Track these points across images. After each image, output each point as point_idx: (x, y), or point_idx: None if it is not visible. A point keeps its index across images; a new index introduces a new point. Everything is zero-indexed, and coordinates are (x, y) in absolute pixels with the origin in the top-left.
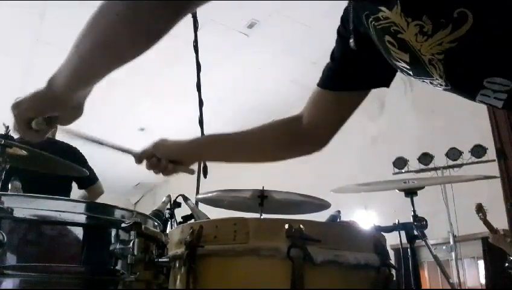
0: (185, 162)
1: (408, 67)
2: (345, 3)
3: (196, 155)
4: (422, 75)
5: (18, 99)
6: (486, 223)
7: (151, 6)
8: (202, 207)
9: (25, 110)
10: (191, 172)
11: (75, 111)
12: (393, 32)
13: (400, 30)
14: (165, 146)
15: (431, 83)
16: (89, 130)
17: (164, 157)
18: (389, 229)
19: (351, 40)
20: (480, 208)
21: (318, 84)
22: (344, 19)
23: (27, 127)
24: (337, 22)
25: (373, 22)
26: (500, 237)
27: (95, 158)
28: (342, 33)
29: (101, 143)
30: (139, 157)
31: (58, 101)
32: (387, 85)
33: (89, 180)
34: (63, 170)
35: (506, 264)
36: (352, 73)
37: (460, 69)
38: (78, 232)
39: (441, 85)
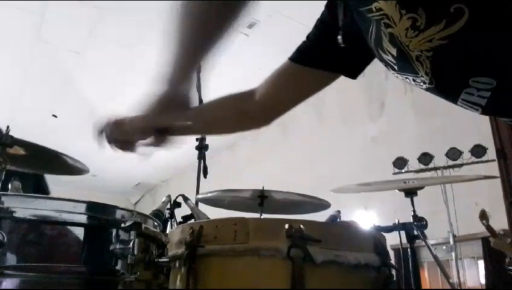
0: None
1: (394, 61)
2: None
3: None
4: (408, 71)
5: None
6: (489, 229)
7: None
8: (202, 207)
9: (154, 120)
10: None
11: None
12: (384, 26)
13: (390, 24)
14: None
15: (414, 80)
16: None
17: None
18: (389, 229)
19: (339, 37)
20: (483, 215)
21: (289, 58)
22: (331, 8)
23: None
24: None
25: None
26: (503, 242)
27: (96, 158)
28: (326, 19)
29: None
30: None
31: (182, 97)
32: (354, 76)
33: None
34: (63, 170)
35: (506, 265)
36: (325, 54)
37: (447, 67)
38: (78, 232)
39: (424, 83)
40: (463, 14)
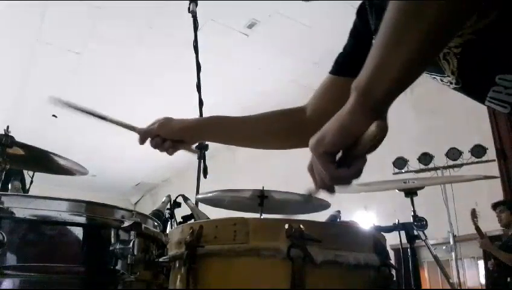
0: (187, 142)
1: None
2: (344, 4)
3: (198, 135)
4: (434, 71)
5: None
6: (477, 229)
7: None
8: (202, 207)
9: (332, 144)
10: (194, 151)
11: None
12: None
13: None
14: (169, 126)
15: (441, 80)
16: (90, 130)
17: (168, 137)
18: (389, 229)
19: (373, 41)
20: (474, 213)
21: (330, 72)
22: (362, 15)
23: (335, 167)
24: (337, 22)
25: None
26: (487, 242)
27: (96, 158)
28: (359, 27)
29: (103, 118)
30: (143, 135)
31: (376, 114)
32: None
33: None
34: (63, 170)
35: (490, 268)
36: (363, 61)
37: (474, 65)
38: (78, 232)
39: (451, 83)
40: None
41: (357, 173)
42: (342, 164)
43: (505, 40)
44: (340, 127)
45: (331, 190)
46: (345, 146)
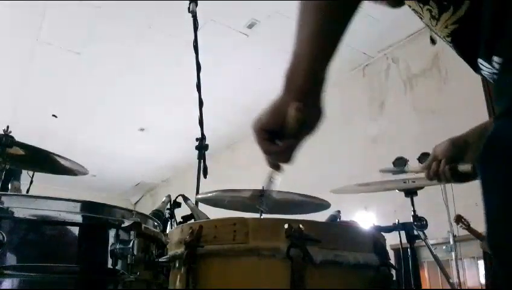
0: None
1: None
2: None
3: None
4: None
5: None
6: (471, 231)
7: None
8: (202, 207)
9: (265, 122)
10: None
11: (316, 112)
12: (420, 19)
13: (422, 17)
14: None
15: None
16: (90, 130)
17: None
18: (389, 229)
19: None
20: (459, 219)
21: None
22: None
23: (270, 143)
24: None
25: None
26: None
27: (96, 158)
28: None
29: None
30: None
31: (300, 98)
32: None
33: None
34: (63, 170)
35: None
36: None
37: (464, 50)
38: (78, 232)
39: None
40: None
41: (287, 150)
42: (276, 141)
43: (478, 26)
44: (271, 107)
45: (276, 168)
46: (276, 125)
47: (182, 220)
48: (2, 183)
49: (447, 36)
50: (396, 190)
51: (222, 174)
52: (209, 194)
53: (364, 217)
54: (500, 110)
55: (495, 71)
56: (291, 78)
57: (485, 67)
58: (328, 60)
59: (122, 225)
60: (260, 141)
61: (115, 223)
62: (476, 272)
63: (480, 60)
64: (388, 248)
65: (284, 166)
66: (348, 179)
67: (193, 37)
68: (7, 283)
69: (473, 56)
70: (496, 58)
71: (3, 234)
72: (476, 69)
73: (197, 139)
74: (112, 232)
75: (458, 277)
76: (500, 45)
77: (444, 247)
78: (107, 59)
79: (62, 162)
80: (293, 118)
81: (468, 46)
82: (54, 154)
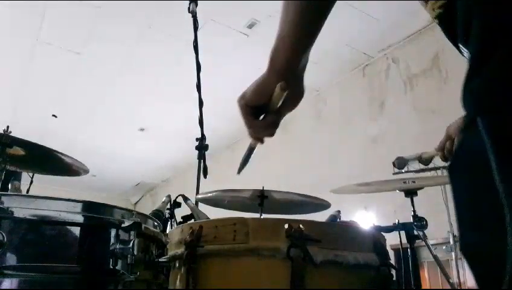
0: None
1: None
2: (343, 4)
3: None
4: None
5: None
6: None
7: None
8: (202, 207)
9: (249, 99)
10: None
11: (298, 91)
12: None
13: None
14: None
15: None
16: (90, 130)
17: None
18: (389, 229)
19: None
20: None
21: None
22: None
23: (253, 118)
24: (336, 22)
25: None
26: None
27: (96, 158)
28: None
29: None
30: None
31: (281, 75)
32: None
33: None
34: (62, 170)
35: None
36: None
37: (449, 34)
38: (78, 232)
39: None
40: None
41: (270, 125)
42: (259, 117)
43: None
44: (256, 85)
45: (258, 140)
46: (260, 102)
47: (182, 220)
48: (2, 183)
49: (435, 18)
50: (397, 190)
51: (222, 174)
52: (209, 194)
53: (364, 217)
54: (466, 121)
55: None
56: (276, 59)
57: (466, 52)
58: (311, 42)
59: (122, 225)
60: (245, 115)
61: (115, 223)
62: None
63: (460, 45)
64: (388, 248)
65: (266, 139)
66: (348, 179)
67: (193, 37)
68: (7, 283)
69: (456, 40)
70: (463, 48)
71: (3, 234)
72: (462, 53)
73: (197, 139)
74: (112, 232)
75: (458, 277)
76: (468, 35)
77: (444, 247)
78: (107, 59)
79: (63, 159)
80: (277, 96)
81: (453, 31)
82: (55, 151)
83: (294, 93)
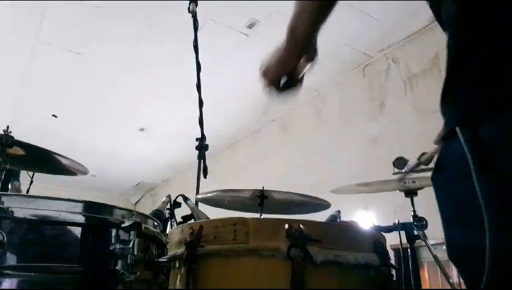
0: None
1: None
2: (344, 4)
3: None
4: None
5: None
6: None
7: None
8: (202, 207)
9: (275, 71)
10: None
11: (315, 53)
12: None
13: None
14: None
15: None
16: (90, 130)
17: None
18: (389, 229)
19: None
20: None
21: None
22: None
23: (279, 87)
24: (336, 22)
25: None
26: None
27: (95, 158)
28: None
29: None
30: None
31: (303, 47)
32: None
33: None
34: (63, 170)
35: None
36: None
37: (439, 19)
38: (78, 232)
39: None
40: None
41: (295, 90)
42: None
43: None
44: (280, 58)
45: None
46: (285, 72)
47: (182, 220)
48: (2, 183)
49: (427, 2)
50: (397, 190)
51: (222, 174)
52: (209, 194)
53: (364, 217)
54: (446, 130)
55: None
56: (297, 35)
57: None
58: (328, 15)
59: (122, 225)
60: (273, 86)
61: (115, 223)
62: None
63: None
64: (388, 248)
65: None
66: (348, 179)
67: (193, 37)
68: (7, 283)
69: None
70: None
71: (3, 234)
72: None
73: (197, 139)
74: (112, 232)
75: (458, 277)
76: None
77: (444, 247)
78: (107, 59)
79: (62, 161)
80: (302, 67)
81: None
82: (54, 153)
83: (312, 56)
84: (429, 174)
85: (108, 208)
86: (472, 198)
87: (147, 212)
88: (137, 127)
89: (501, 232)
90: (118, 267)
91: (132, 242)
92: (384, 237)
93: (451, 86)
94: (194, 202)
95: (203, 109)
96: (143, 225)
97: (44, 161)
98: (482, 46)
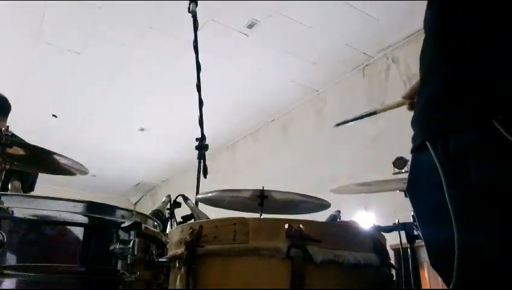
0: None
1: None
2: (344, 4)
3: None
4: None
5: None
6: None
7: None
8: (202, 207)
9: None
10: None
11: None
12: None
13: None
14: None
15: None
16: (90, 130)
17: None
18: (389, 229)
19: None
20: None
21: None
22: None
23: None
24: (336, 22)
25: None
26: None
27: (96, 158)
28: None
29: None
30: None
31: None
32: None
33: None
34: (63, 170)
35: None
36: None
37: None
38: (78, 232)
39: None
40: None
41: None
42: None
43: None
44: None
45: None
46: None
47: (182, 220)
48: (2, 183)
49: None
50: (397, 190)
51: (222, 174)
52: (209, 194)
53: (364, 217)
54: (417, 143)
55: None
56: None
57: None
58: None
59: (122, 225)
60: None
61: (115, 223)
62: None
63: None
64: (388, 248)
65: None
66: (348, 179)
67: (193, 37)
68: (7, 283)
69: None
70: None
71: (3, 234)
72: None
73: (197, 139)
74: (112, 232)
75: None
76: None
77: None
78: (107, 59)
79: (62, 161)
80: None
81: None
82: (54, 153)
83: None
84: None
85: (108, 208)
86: (446, 207)
87: (147, 212)
88: (137, 127)
89: (467, 237)
90: (118, 267)
91: (132, 242)
92: (384, 237)
93: (419, 100)
94: (194, 202)
95: (203, 109)
96: (143, 225)
97: (44, 161)
98: (444, 65)
